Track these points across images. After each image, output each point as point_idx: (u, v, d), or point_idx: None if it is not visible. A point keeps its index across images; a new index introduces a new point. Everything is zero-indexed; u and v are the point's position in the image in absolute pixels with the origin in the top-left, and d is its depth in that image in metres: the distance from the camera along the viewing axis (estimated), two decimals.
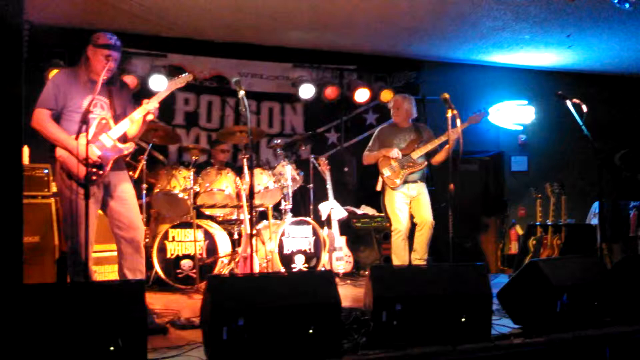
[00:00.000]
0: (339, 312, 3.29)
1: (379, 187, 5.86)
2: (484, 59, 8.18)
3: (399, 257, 5.59)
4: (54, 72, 5.95)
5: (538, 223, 6.45)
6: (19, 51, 2.56)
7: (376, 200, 6.62)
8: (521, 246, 6.78)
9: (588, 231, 6.51)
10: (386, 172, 5.71)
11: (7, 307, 2.41)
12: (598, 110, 6.68)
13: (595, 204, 7.37)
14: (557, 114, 7.73)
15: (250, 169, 4.48)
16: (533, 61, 8.25)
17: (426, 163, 5.78)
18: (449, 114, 4.68)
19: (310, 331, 3.15)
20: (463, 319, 3.43)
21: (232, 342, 3.00)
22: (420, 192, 5.74)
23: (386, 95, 7.44)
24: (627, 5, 5.77)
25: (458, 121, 4.69)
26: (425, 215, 5.65)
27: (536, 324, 3.62)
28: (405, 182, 5.67)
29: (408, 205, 5.70)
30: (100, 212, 4.06)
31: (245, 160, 5.50)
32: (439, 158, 5.78)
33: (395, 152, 5.69)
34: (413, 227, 5.73)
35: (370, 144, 5.97)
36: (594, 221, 7.16)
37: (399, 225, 5.61)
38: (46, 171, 5.19)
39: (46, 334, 2.70)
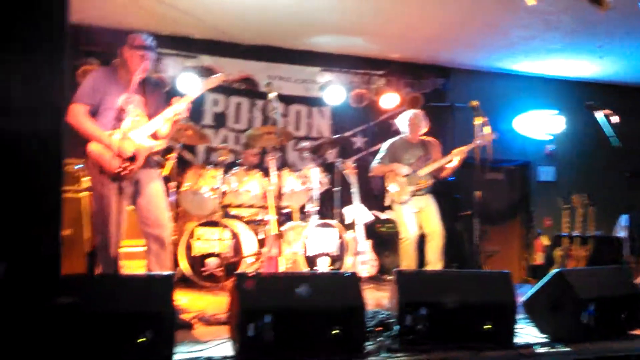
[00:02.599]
0: (364, 313, 3.32)
1: (387, 202, 5.93)
2: (513, 68, 8.14)
3: (408, 264, 5.66)
4: (86, 70, 6.10)
5: (565, 234, 6.40)
6: (63, 50, 2.64)
7: None
8: (547, 257, 6.73)
9: (615, 244, 6.45)
10: (393, 187, 5.82)
11: (47, 296, 2.49)
12: (629, 122, 6.61)
13: (623, 217, 7.29)
14: (586, 124, 7.62)
15: (278, 170, 4.52)
16: (563, 71, 8.18)
17: (433, 180, 5.85)
18: (478, 122, 4.70)
19: (335, 332, 3.18)
20: (487, 327, 3.43)
21: (258, 338, 3.04)
22: (427, 203, 5.83)
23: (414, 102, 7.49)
24: None
25: (486, 128, 4.69)
26: (434, 225, 5.74)
27: (561, 334, 3.60)
28: (413, 195, 5.77)
29: (415, 214, 5.79)
30: (130, 207, 4.15)
31: (272, 161, 5.54)
32: (445, 173, 5.89)
33: (405, 170, 5.77)
34: (422, 240, 5.80)
35: (379, 155, 6.02)
36: (621, 234, 7.08)
37: (407, 234, 5.70)
38: (78, 167, 5.29)
39: (79, 323, 2.77)
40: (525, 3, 5.54)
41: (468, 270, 4.63)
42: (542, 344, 3.52)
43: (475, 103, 4.75)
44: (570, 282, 3.63)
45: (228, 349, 3.22)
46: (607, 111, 4.84)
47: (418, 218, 5.80)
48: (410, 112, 6.07)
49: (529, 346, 3.48)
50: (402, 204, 5.76)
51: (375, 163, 6.00)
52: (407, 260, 5.67)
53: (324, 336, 3.19)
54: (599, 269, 4.25)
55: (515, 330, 3.55)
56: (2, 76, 2.55)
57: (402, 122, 6.02)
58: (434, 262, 5.67)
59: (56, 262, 2.58)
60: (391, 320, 3.56)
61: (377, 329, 3.60)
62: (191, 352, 3.16)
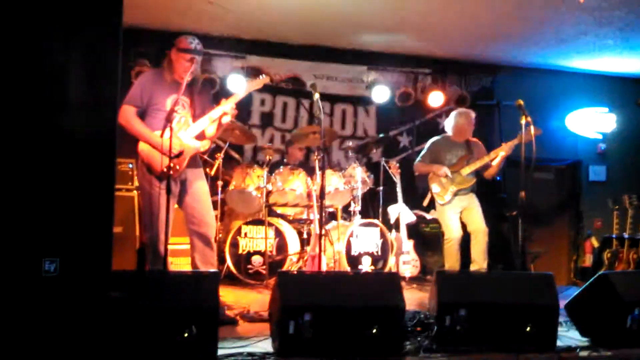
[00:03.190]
0: (403, 314, 3.35)
1: (425, 202, 5.92)
2: (563, 65, 7.97)
3: (452, 264, 5.65)
4: (138, 71, 6.32)
5: (614, 235, 6.26)
6: (118, 51, 2.77)
7: None
8: (596, 259, 6.60)
9: None
10: (435, 188, 5.81)
11: (98, 291, 2.62)
12: None
13: None
14: (639, 122, 7.44)
15: (322, 170, 4.60)
16: (616, 67, 7.96)
17: (475, 180, 5.82)
18: (523, 121, 4.66)
19: (374, 331, 3.23)
20: (528, 329, 3.41)
21: (298, 336, 3.12)
22: (471, 202, 5.79)
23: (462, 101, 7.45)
24: None
25: (532, 129, 4.64)
26: (478, 224, 5.70)
27: (605, 337, 3.55)
28: (455, 194, 5.74)
29: (459, 214, 5.77)
30: (176, 206, 4.29)
31: (317, 161, 5.62)
32: (491, 171, 5.81)
33: (444, 171, 5.74)
34: (467, 238, 5.75)
35: (422, 154, 6.02)
36: None
37: (451, 234, 5.69)
38: (130, 165, 5.50)
39: (128, 318, 2.91)
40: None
41: (509, 272, 4.60)
42: (584, 348, 3.48)
43: (520, 102, 4.70)
44: (615, 284, 3.56)
45: (269, 345, 3.31)
46: None
47: (462, 217, 5.78)
48: (457, 112, 6.01)
49: (571, 349, 3.45)
50: (445, 205, 5.75)
51: (417, 162, 6.01)
52: (451, 261, 5.67)
53: (363, 335, 3.23)
54: None
55: (558, 333, 3.51)
56: (59, 75, 2.69)
57: (449, 122, 5.99)
58: (479, 261, 5.63)
59: (107, 258, 2.71)
60: (430, 321, 3.58)
61: (416, 329, 3.63)
62: (234, 347, 3.26)
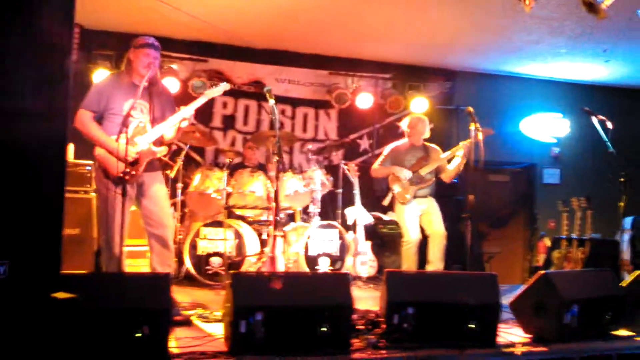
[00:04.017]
0: (351, 312, 3.46)
1: (385, 202, 6.03)
2: (519, 71, 8.22)
3: (409, 266, 5.77)
4: (99, 73, 6.33)
5: (563, 236, 6.49)
6: (69, 56, 2.79)
7: None
8: (547, 259, 6.82)
9: (612, 246, 6.49)
10: (396, 188, 5.90)
11: (46, 294, 2.66)
12: (635, 124, 6.64)
13: (626, 220, 7.32)
14: (590, 127, 7.68)
15: (277, 173, 4.70)
16: (569, 74, 8.23)
17: (434, 179, 5.94)
18: (472, 127, 4.83)
19: (324, 329, 3.33)
20: (472, 326, 3.56)
21: (249, 335, 3.20)
22: (430, 206, 5.89)
23: (418, 106, 7.62)
24: None
25: (480, 134, 4.80)
26: (437, 228, 5.81)
27: (544, 334, 3.72)
28: (415, 197, 5.85)
29: (418, 217, 5.87)
30: (134, 207, 4.34)
31: (275, 164, 5.71)
32: (450, 174, 5.93)
33: (405, 173, 5.85)
34: (425, 240, 5.87)
35: (380, 159, 6.11)
36: (625, 237, 7.11)
37: (410, 237, 5.78)
38: (89, 168, 5.51)
39: (78, 319, 2.95)
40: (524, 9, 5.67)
41: (455, 272, 4.75)
42: (525, 344, 3.64)
43: (470, 109, 4.86)
44: (555, 283, 3.73)
45: (222, 345, 3.39)
46: (602, 117, 4.93)
47: (421, 220, 5.90)
48: (412, 117, 6.16)
49: (510, 345, 3.60)
50: (405, 204, 5.85)
51: (375, 165, 6.11)
52: (408, 263, 5.77)
53: (313, 333, 3.33)
54: (585, 271, 4.35)
55: (498, 330, 3.67)
56: (9, 80, 2.70)
57: (404, 127, 6.14)
58: (435, 262, 5.74)
59: (57, 261, 2.74)
60: (380, 319, 3.70)
61: (367, 327, 3.74)
62: (186, 347, 3.33)
